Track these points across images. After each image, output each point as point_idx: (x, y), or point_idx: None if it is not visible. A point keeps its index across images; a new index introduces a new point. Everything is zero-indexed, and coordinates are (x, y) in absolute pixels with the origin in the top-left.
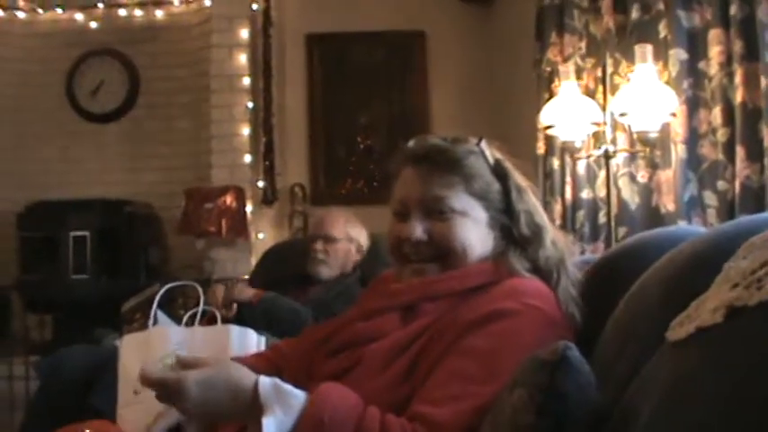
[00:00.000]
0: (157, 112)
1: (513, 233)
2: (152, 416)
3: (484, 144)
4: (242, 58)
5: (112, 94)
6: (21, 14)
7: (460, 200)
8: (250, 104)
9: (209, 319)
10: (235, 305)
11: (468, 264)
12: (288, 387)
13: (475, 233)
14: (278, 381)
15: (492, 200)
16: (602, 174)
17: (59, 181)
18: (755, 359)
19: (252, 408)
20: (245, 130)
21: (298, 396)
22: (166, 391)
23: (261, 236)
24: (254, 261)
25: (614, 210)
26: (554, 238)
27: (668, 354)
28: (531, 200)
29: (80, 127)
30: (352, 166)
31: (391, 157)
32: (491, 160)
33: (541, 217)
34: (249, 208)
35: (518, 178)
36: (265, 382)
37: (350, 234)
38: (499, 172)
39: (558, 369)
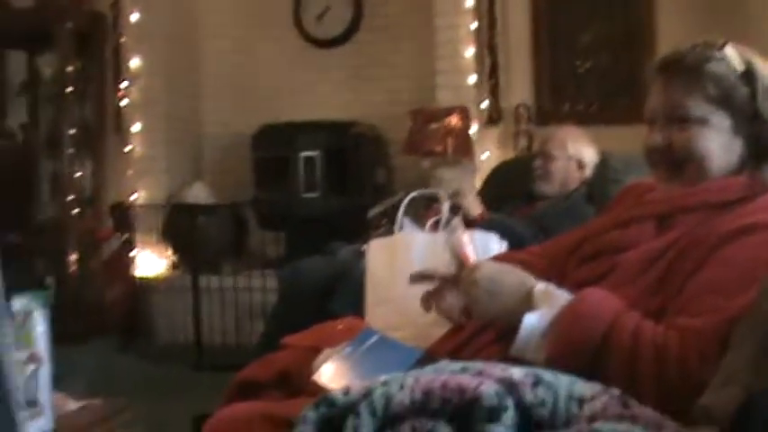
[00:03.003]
0: (381, 35)
1: (764, 141)
2: (400, 315)
3: (729, 47)
4: None
5: (338, 18)
6: None
7: (700, 107)
8: (474, 25)
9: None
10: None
11: (710, 172)
12: (558, 291)
13: (716, 141)
14: (551, 285)
15: (737, 106)
16: None
17: (290, 103)
18: None
19: (524, 304)
20: (470, 51)
21: (564, 296)
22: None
23: (485, 155)
24: (478, 180)
25: None
26: None
27: None
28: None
29: (308, 52)
30: (576, 86)
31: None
32: (737, 63)
33: None
34: (474, 128)
35: (767, 79)
36: (541, 285)
37: (569, 151)
38: (748, 75)
39: None
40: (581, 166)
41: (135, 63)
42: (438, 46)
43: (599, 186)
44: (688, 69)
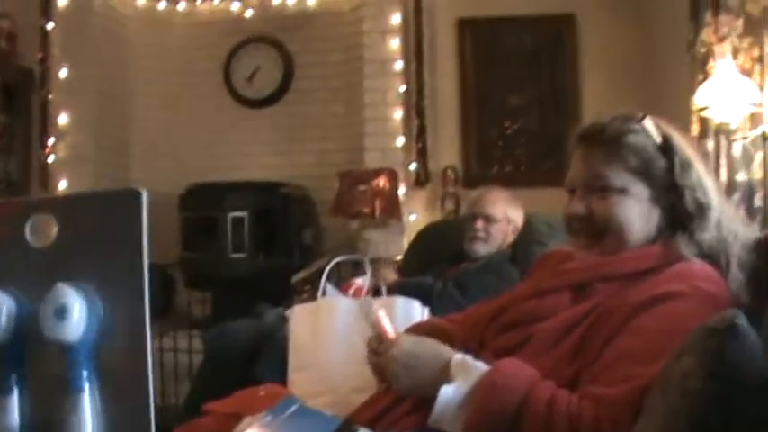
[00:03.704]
0: (311, 97)
1: (679, 211)
2: (321, 382)
3: (648, 120)
4: (394, 43)
5: (268, 79)
6: (181, 5)
7: (620, 177)
8: (402, 88)
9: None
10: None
11: (629, 241)
12: (474, 362)
13: (635, 211)
14: (468, 357)
15: (655, 177)
16: (759, 156)
17: (218, 164)
18: None
19: (440, 377)
20: (398, 114)
21: (480, 367)
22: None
23: (413, 217)
24: (406, 242)
25: None
26: (720, 218)
27: None
28: (695, 176)
29: (237, 112)
30: (503, 149)
31: (542, 139)
32: (655, 136)
33: (707, 194)
34: (402, 190)
35: (686, 154)
36: (458, 356)
37: (508, 215)
38: (665, 147)
39: (727, 336)
40: (515, 229)
41: (63, 119)
42: (366, 108)
43: (523, 248)
44: (608, 140)
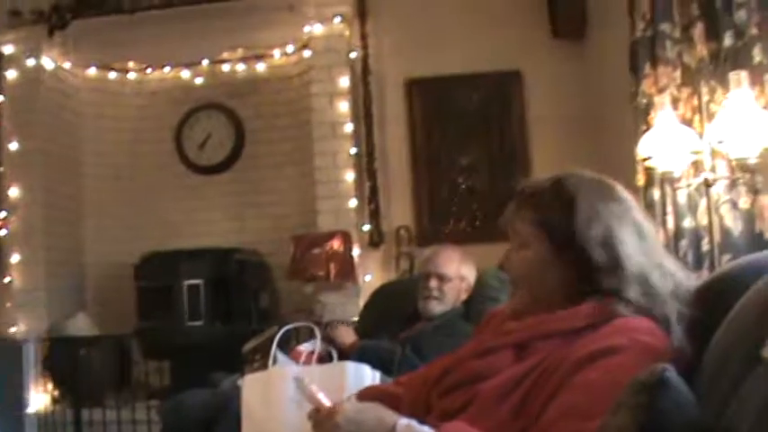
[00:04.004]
0: (263, 162)
1: (587, 267)
2: None
3: (563, 178)
4: (343, 106)
5: (219, 146)
6: (131, 75)
7: (526, 230)
8: (353, 150)
9: (322, 358)
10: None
11: (537, 292)
12: (420, 427)
13: (537, 264)
14: (413, 422)
15: (558, 232)
16: (704, 202)
17: (173, 232)
18: None
19: None
20: (349, 176)
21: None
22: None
23: (368, 278)
24: (362, 303)
25: (717, 237)
26: (644, 273)
27: (764, 372)
28: (601, 231)
29: (190, 179)
30: (454, 207)
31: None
32: (564, 194)
33: (615, 249)
34: (356, 251)
35: (596, 209)
36: (402, 422)
37: (462, 272)
38: (570, 206)
39: (657, 389)
40: (468, 287)
41: (14, 192)
42: (317, 171)
43: (476, 304)
44: (523, 196)
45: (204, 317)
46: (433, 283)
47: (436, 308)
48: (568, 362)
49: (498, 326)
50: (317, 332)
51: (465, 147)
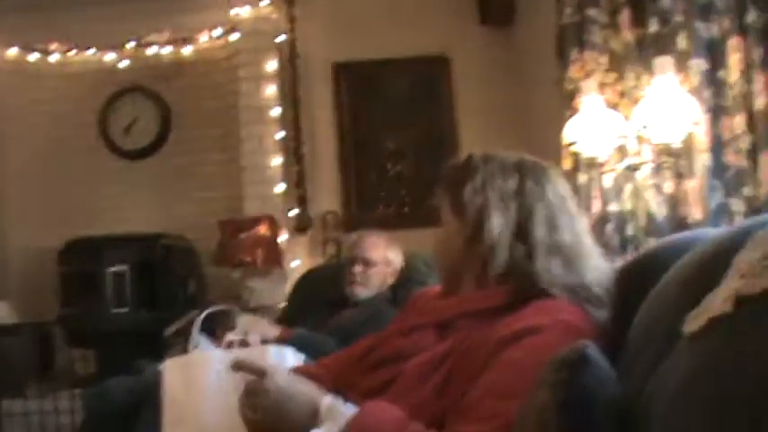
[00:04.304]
0: (189, 146)
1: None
2: None
3: (474, 158)
4: (270, 90)
5: (145, 130)
6: (53, 57)
7: (444, 213)
8: (280, 134)
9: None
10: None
11: (451, 273)
12: (342, 406)
13: (452, 244)
14: (337, 401)
15: (469, 215)
16: (629, 186)
17: (97, 217)
18: (763, 344)
19: (310, 419)
20: (277, 161)
21: (347, 412)
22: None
23: (295, 263)
24: (289, 288)
25: (642, 221)
26: (558, 249)
27: (684, 347)
28: (514, 211)
29: (115, 164)
30: (383, 192)
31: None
32: (473, 165)
33: (528, 229)
34: (283, 236)
35: (508, 190)
36: (327, 399)
37: (387, 257)
38: (483, 184)
39: (578, 365)
40: (394, 271)
41: None
42: (244, 156)
43: (403, 288)
44: (443, 179)
45: (129, 303)
46: (358, 268)
47: (361, 293)
48: (491, 341)
49: (423, 306)
50: (238, 314)
51: (393, 132)
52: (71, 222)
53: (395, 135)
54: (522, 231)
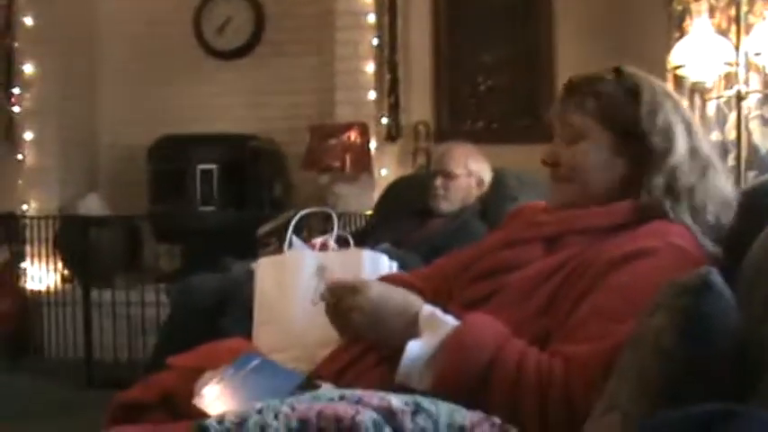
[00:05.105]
0: (282, 49)
1: (644, 160)
2: (286, 336)
3: (622, 69)
4: None
5: (239, 31)
6: None
7: (584, 123)
8: (375, 41)
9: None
10: None
11: (589, 188)
12: (443, 316)
13: (596, 158)
14: (437, 310)
15: (620, 125)
16: (733, 116)
17: (188, 116)
18: None
19: (408, 329)
20: (370, 67)
21: (448, 323)
22: (346, 291)
23: (384, 172)
24: (376, 196)
25: (744, 153)
26: (680, 168)
27: None
28: (662, 121)
29: (208, 64)
30: (474, 105)
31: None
32: (625, 84)
33: (670, 140)
34: (373, 144)
35: (658, 100)
36: (427, 309)
37: (470, 168)
38: (635, 96)
39: (701, 292)
40: (479, 183)
41: (28, 69)
42: (338, 61)
43: (494, 204)
44: (579, 87)
45: (216, 202)
46: (439, 181)
47: (443, 206)
48: (601, 261)
49: (530, 219)
50: (335, 218)
51: (489, 45)
52: (162, 120)
53: (490, 49)
54: (666, 145)
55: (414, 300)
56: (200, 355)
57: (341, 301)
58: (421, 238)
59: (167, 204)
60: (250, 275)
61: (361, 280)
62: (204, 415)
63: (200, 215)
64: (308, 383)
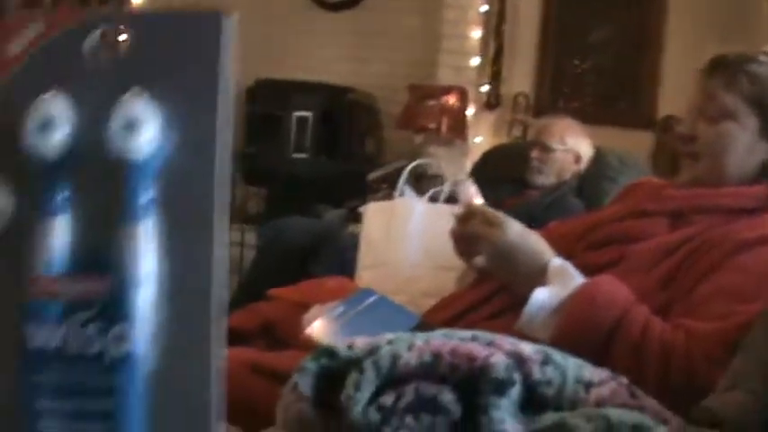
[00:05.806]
0: (389, 5)
1: None
2: (392, 281)
3: None
4: None
5: None
6: None
7: (733, 102)
8: (484, 8)
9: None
10: None
11: (726, 169)
12: (573, 270)
13: (740, 139)
14: (568, 264)
15: None
16: None
17: (288, 62)
18: None
19: (536, 277)
20: (476, 33)
21: (579, 277)
22: (487, 220)
23: (478, 140)
24: (468, 163)
25: None
26: None
27: None
28: None
29: (312, 12)
30: (577, 83)
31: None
32: None
33: None
34: (470, 111)
35: None
36: (557, 260)
37: (568, 144)
38: None
39: None
40: (577, 159)
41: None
42: (445, 23)
43: (592, 181)
44: (729, 65)
45: (309, 150)
46: (536, 153)
47: (538, 179)
48: (729, 242)
49: (654, 193)
50: (445, 176)
51: (597, 22)
52: (263, 62)
53: (599, 27)
54: None
55: (546, 248)
56: (303, 290)
57: (471, 225)
58: (517, 208)
59: (260, 147)
60: (344, 224)
61: (501, 214)
62: (315, 347)
63: (292, 161)
64: (426, 326)
